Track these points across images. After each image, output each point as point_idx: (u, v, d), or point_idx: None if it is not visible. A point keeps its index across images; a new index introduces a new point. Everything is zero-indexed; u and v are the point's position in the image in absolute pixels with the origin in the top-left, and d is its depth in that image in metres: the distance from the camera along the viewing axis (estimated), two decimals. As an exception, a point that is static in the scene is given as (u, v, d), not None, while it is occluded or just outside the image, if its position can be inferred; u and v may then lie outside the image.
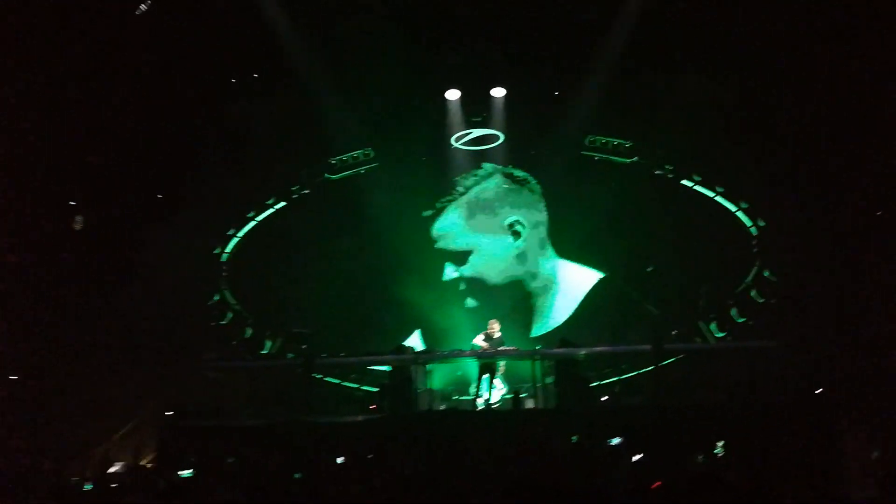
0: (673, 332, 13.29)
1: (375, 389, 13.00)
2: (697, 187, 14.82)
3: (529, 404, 11.64)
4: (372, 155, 15.53)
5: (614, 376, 13.75)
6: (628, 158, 15.18)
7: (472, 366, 12.20)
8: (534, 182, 15.26)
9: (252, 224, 15.22)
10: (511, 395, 11.48)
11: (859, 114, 12.49)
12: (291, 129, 14.50)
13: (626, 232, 14.47)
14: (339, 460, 8.12)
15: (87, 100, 12.25)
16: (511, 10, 13.44)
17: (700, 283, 14.11)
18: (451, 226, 15.20)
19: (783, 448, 8.14)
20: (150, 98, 12.84)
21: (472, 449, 8.07)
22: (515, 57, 14.07)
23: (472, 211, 15.22)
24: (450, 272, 15.01)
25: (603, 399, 12.59)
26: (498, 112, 15.19)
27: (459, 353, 12.07)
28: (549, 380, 11.56)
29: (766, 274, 14.15)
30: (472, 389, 12.07)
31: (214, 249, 14.94)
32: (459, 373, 13.43)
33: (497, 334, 12.04)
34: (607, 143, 15.22)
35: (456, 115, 15.25)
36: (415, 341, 14.65)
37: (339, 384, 14.12)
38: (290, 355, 12.95)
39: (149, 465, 10.69)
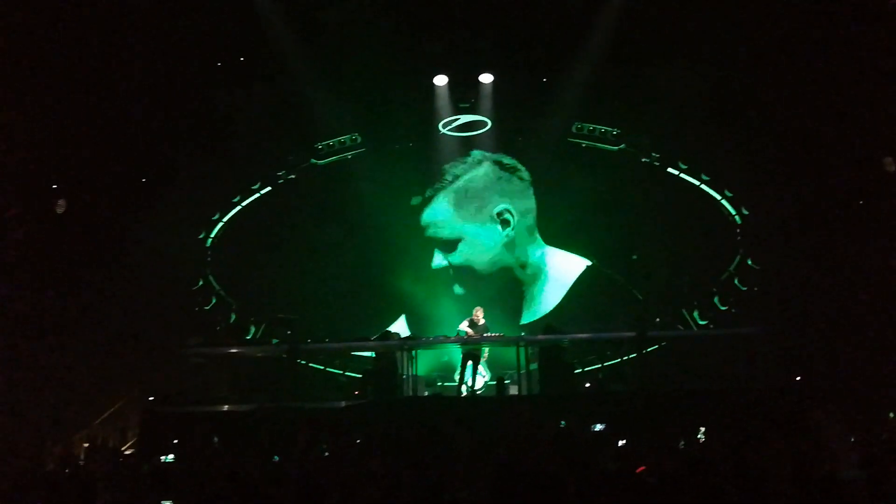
0: (657, 320, 13.38)
1: (359, 376, 13.02)
2: (683, 175, 14.88)
3: (513, 391, 11.68)
4: (359, 140, 15.43)
5: (598, 363, 13.84)
6: (615, 146, 15.19)
7: (457, 352, 12.22)
8: (523, 169, 15.25)
9: (237, 209, 15.10)
10: (495, 382, 11.52)
11: (842, 105, 12.57)
12: (278, 113, 14.39)
13: (613, 219, 14.52)
14: (324, 447, 8.12)
15: (70, 84, 12.06)
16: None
17: (684, 270, 14.20)
18: (440, 214, 15.16)
19: (764, 432, 8.24)
20: (135, 82, 12.69)
21: (455, 435, 8.08)
22: (504, 43, 14.01)
23: (461, 200, 15.17)
24: (438, 260, 14.99)
25: (587, 385, 12.67)
26: (486, 98, 15.13)
27: (445, 340, 12.07)
28: (534, 366, 11.61)
29: (749, 262, 14.27)
30: (457, 376, 12.09)
31: (199, 234, 14.83)
32: (445, 359, 13.47)
33: (481, 321, 12.05)
34: (594, 130, 15.22)
35: (444, 100, 15.18)
36: (400, 327, 14.66)
37: (323, 370, 14.11)
38: (275, 341, 12.90)
39: (131, 451, 10.64)
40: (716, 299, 14.24)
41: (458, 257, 14.97)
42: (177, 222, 13.87)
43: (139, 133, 13.19)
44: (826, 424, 7.59)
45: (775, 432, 8.01)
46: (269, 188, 15.26)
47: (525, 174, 15.25)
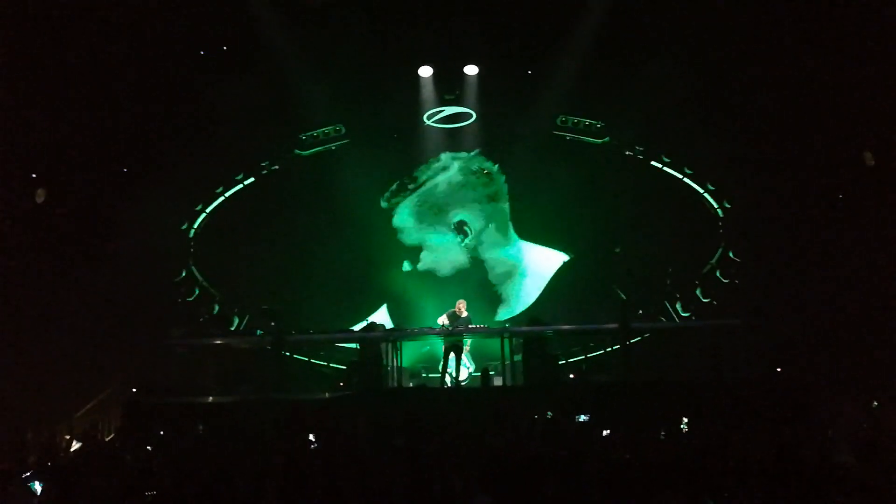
0: (639, 312, 13.48)
1: (343, 367, 13.02)
2: (667, 169, 14.98)
3: (497, 382, 11.74)
4: (343, 131, 15.36)
5: (582, 354, 13.95)
6: (600, 139, 15.25)
7: (439, 344, 12.23)
8: (496, 171, 15.28)
9: (220, 200, 14.98)
10: (479, 374, 11.56)
11: (823, 100, 12.71)
12: (262, 103, 14.22)
13: (596, 212, 14.61)
14: (310, 437, 8.10)
15: (51, 72, 11.87)
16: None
17: (667, 263, 14.32)
18: (403, 221, 15.29)
19: (746, 421, 8.38)
20: (118, 70, 12.51)
21: (441, 425, 8.11)
22: (489, 35, 13.98)
23: (422, 208, 15.31)
24: (406, 265, 15.11)
25: (571, 377, 12.76)
26: (471, 90, 15.11)
27: (430, 331, 12.07)
28: (518, 357, 11.67)
29: (731, 255, 14.42)
30: (441, 367, 12.11)
31: (182, 225, 14.69)
32: (426, 348, 13.50)
33: (464, 313, 12.07)
34: (579, 122, 15.26)
35: (429, 92, 15.14)
36: (382, 317, 14.67)
37: (307, 361, 14.08)
38: (259, 332, 12.84)
39: (113, 442, 10.54)
40: (698, 291, 14.40)
41: (421, 264, 15.11)
42: (159, 212, 13.68)
43: (121, 122, 13.02)
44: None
45: (758, 421, 8.14)
46: (252, 179, 15.16)
47: (497, 177, 15.29)
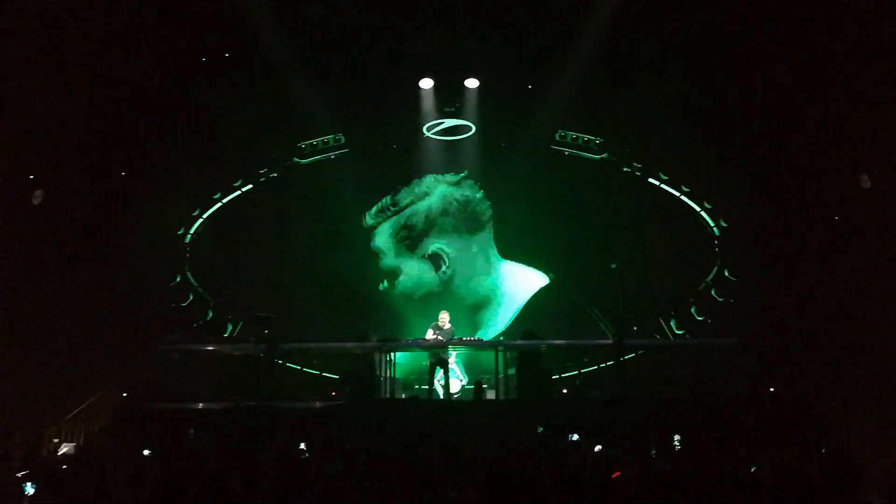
0: (634, 328, 13.46)
1: (336, 377, 12.97)
2: (664, 186, 15.03)
3: (490, 395, 11.69)
4: (342, 140, 15.39)
5: (575, 370, 13.92)
6: (598, 155, 15.30)
7: (425, 357, 12.14)
8: (478, 198, 15.22)
9: (218, 206, 14.97)
10: (472, 386, 11.51)
11: (819, 120, 12.77)
12: (261, 111, 14.30)
13: (591, 228, 14.62)
14: (302, 446, 8.06)
15: (50, 77, 11.86)
16: (488, 1, 13.38)
17: (663, 280, 14.33)
18: (382, 244, 15.24)
19: (741, 440, 8.37)
20: (117, 76, 12.51)
21: (435, 436, 8.08)
22: (490, 49, 14.05)
23: (401, 233, 15.23)
24: (384, 285, 15.08)
25: (564, 392, 12.72)
26: (471, 103, 15.17)
27: (424, 342, 12.01)
28: (511, 371, 11.63)
29: (726, 273, 14.45)
30: (428, 382, 12.00)
31: (178, 230, 14.67)
32: (424, 362, 13.41)
33: (447, 325, 11.94)
34: (577, 138, 15.31)
35: (429, 104, 15.19)
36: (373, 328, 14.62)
37: (300, 370, 14.01)
38: (252, 339, 12.79)
39: (103, 448, 10.46)
40: (693, 309, 14.40)
41: (398, 286, 15.06)
42: (156, 217, 13.71)
43: (120, 127, 13.00)
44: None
45: (752, 440, 8.12)
46: (250, 185, 15.15)
47: (481, 204, 15.22)
